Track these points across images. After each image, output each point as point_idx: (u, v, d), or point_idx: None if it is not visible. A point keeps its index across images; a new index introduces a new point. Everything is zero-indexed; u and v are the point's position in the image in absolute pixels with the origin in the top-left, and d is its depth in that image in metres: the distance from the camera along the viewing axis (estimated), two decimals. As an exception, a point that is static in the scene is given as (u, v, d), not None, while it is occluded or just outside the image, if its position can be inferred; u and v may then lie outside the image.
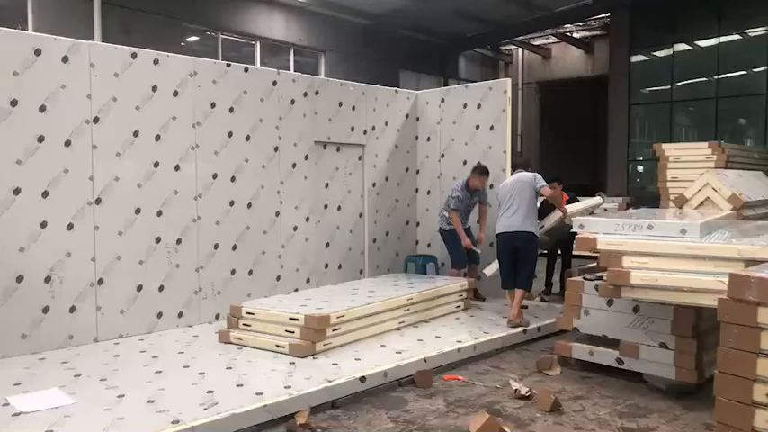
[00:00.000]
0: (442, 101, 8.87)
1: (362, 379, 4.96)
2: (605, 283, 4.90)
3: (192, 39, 13.18)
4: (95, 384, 4.79)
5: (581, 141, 21.61)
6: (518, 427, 4.30)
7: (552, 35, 19.41)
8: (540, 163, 19.95)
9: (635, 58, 16.85)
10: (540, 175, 7.03)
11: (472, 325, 6.73)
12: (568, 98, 20.90)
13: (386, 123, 8.79)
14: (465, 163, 8.41)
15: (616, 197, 14.98)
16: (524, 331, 6.62)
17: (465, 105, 8.55)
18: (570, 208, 7.82)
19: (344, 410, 4.63)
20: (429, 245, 9.03)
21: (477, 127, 8.38)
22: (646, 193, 15.80)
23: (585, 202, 8.35)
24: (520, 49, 20.98)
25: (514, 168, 7.39)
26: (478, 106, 8.39)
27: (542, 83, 21.07)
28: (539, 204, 7.26)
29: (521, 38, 19.54)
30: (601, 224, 5.08)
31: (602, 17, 17.78)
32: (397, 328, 6.47)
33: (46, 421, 4.02)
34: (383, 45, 16.00)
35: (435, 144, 8.94)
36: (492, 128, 8.25)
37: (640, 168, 17.79)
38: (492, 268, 7.69)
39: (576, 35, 19.55)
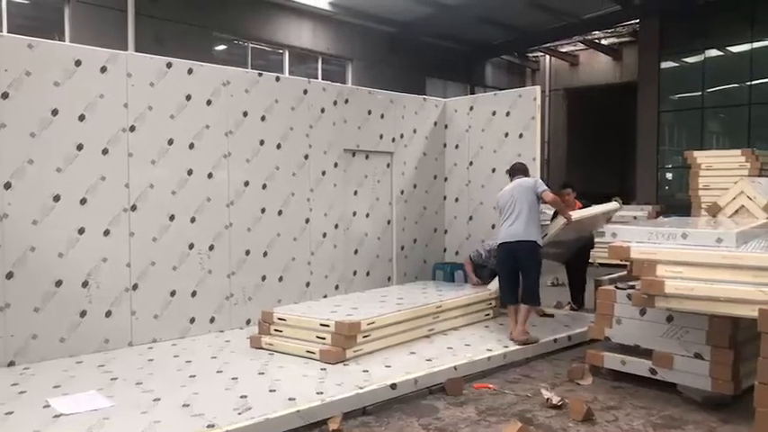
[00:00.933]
0: (471, 108, 8.88)
1: (393, 386, 4.98)
2: (638, 293, 4.86)
3: (221, 47, 13.39)
4: (131, 388, 4.89)
5: (609, 149, 21.42)
6: (551, 437, 4.28)
7: (580, 42, 19.32)
8: (567, 170, 19.86)
9: (665, 65, 16.68)
10: (540, 180, 6.75)
11: (501, 333, 6.70)
12: (596, 105, 20.76)
13: (414, 131, 8.82)
14: (494, 171, 8.40)
15: (645, 205, 14.81)
16: (555, 340, 6.58)
17: (494, 113, 8.55)
18: (577, 214, 7.27)
19: (376, 417, 4.65)
20: (457, 252, 9.02)
21: (507, 134, 8.37)
22: (675, 201, 15.60)
23: (598, 208, 7.85)
24: (547, 56, 20.92)
25: (513, 174, 6.89)
26: (507, 113, 8.39)
27: (569, 90, 20.97)
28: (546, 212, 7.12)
29: (548, 45, 19.48)
30: (634, 232, 5.05)
31: (631, 23, 17.64)
32: (427, 336, 6.47)
33: (85, 424, 4.11)
34: (409, 53, 16.09)
35: (464, 151, 8.95)
36: (521, 135, 8.23)
37: (669, 176, 17.57)
38: (497, 282, 7.15)
39: (604, 42, 19.42)
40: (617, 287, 5.67)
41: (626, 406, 4.90)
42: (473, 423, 4.54)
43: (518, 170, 6.85)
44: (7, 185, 5.43)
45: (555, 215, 7.77)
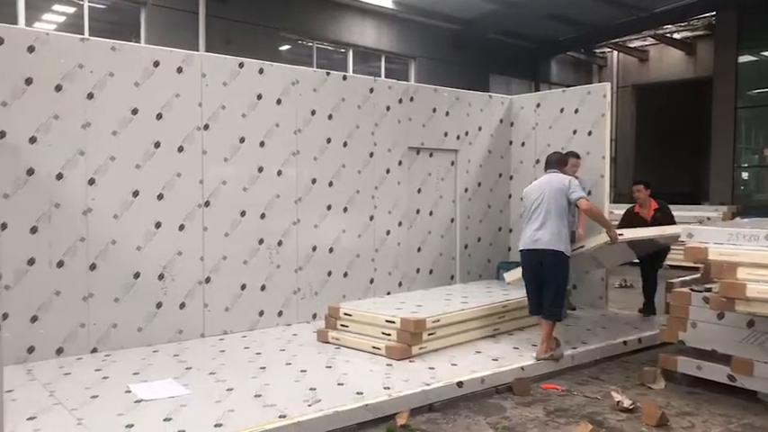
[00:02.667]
0: (538, 105, 8.74)
1: (460, 384, 4.97)
2: (717, 296, 4.69)
3: (285, 47, 13.64)
4: (205, 377, 5.06)
5: (680, 147, 20.63)
6: (623, 441, 4.19)
7: (650, 36, 18.66)
8: (636, 170, 19.25)
9: (742, 59, 15.94)
10: (576, 181, 5.78)
11: (569, 334, 6.58)
12: (667, 102, 20.04)
13: (479, 128, 8.76)
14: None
15: (719, 205, 14.22)
16: (624, 342, 6.41)
17: (562, 110, 8.39)
18: (630, 233, 6.31)
19: (443, 414, 4.66)
20: (522, 251, 8.89)
21: (575, 132, 8.20)
22: (752, 202, 14.92)
23: (657, 230, 6.87)
24: (615, 52, 20.32)
25: (546, 167, 6.01)
26: (576, 111, 8.21)
27: (638, 86, 20.31)
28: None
29: (616, 40, 18.92)
30: (711, 233, 4.87)
31: (707, 16, 16.94)
32: (492, 336, 6.42)
33: (164, 410, 4.29)
34: (473, 50, 15.96)
35: (530, 149, 8.82)
36: (590, 133, 8.04)
37: (745, 175, 16.79)
38: (513, 275, 6.59)
39: (676, 36, 18.71)
40: (692, 290, 5.48)
41: (702, 412, 4.73)
42: (541, 423, 4.48)
43: (553, 162, 5.97)
44: (91, 181, 5.72)
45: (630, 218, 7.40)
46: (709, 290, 5.27)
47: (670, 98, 19.93)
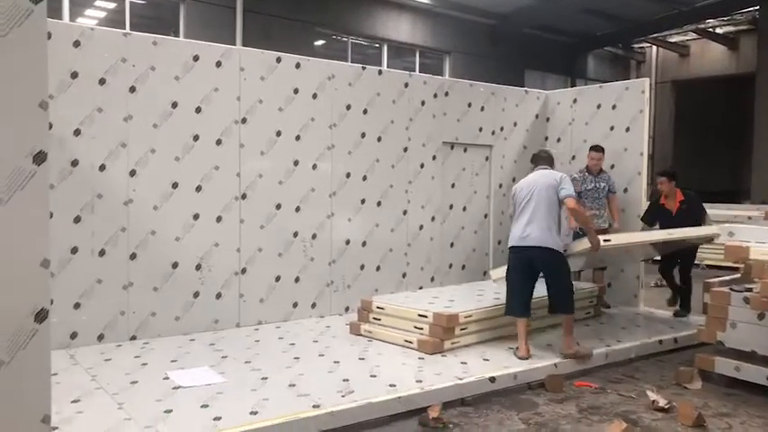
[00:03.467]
0: (575, 101, 8.64)
1: (492, 379, 4.97)
2: (759, 296, 4.60)
3: (319, 42, 13.73)
4: (241, 366, 5.16)
5: (721, 144, 20.19)
6: (657, 440, 4.14)
7: (692, 31, 18.27)
8: (673, 167, 18.87)
9: (787, 54, 15.49)
10: (567, 177, 5.62)
11: (603, 332, 6.52)
12: (707, 98, 19.61)
13: (514, 124, 8.71)
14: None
15: (761, 204, 13.86)
16: (660, 341, 6.32)
17: (599, 106, 8.28)
18: (616, 240, 5.86)
19: (475, 408, 4.67)
20: (556, 248, 8.82)
21: (612, 128, 8.09)
22: (795, 201, 14.48)
23: (641, 236, 6.54)
24: (654, 47, 19.97)
25: (535, 163, 5.92)
26: (613, 107, 8.10)
27: (678, 82, 19.92)
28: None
29: (655, 35, 18.57)
30: (753, 232, 4.78)
31: (750, 10, 16.50)
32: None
33: (201, 397, 4.39)
34: (508, 45, 15.85)
35: (566, 145, 8.73)
36: (628, 129, 7.93)
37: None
38: (499, 273, 6.22)
39: (718, 30, 18.28)
40: (732, 289, 5.37)
41: (740, 414, 4.64)
42: (574, 420, 4.46)
43: (541, 158, 5.86)
44: (132, 173, 5.86)
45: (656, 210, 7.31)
46: (749, 290, 5.15)
47: (710, 94, 19.50)
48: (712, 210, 7.63)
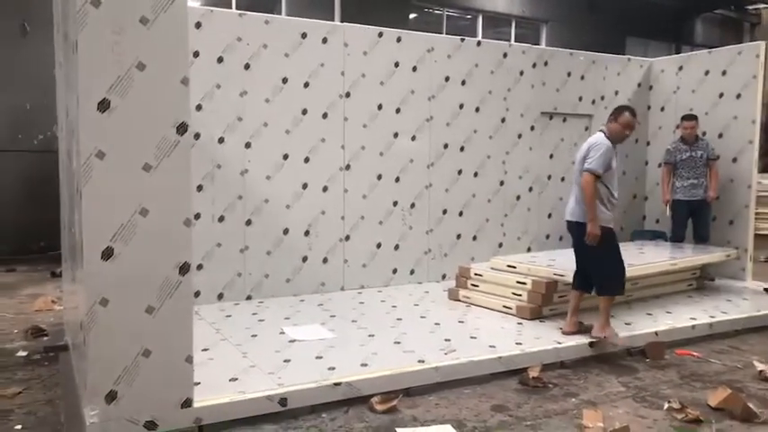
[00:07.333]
0: (680, 68, 8.34)
1: (591, 344, 5.06)
2: None
3: (413, 16, 13.77)
4: (348, 324, 5.52)
5: None
6: (765, 407, 4.11)
7: (814, -11, 16.85)
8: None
9: None
10: (599, 145, 4.92)
11: (707, 304, 6.40)
12: (831, 61, 18.05)
13: (616, 93, 8.52)
14: (704, 134, 7.86)
15: None
16: (769, 315, 6.14)
17: (707, 72, 7.97)
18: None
19: (574, 371, 4.79)
20: (657, 221, 8.64)
21: (721, 95, 7.78)
22: None
23: None
24: (770, 8, 18.55)
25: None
26: (723, 72, 7.77)
27: (797, 45, 18.43)
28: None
29: (773, -6, 17.27)
30: None
31: None
32: (626, 302, 6.37)
33: (315, 349, 4.77)
34: (609, 11, 15.28)
35: (670, 114, 8.47)
36: (738, 96, 7.60)
37: None
38: None
39: None
40: None
41: None
42: (675, 386, 4.49)
43: (609, 116, 5.22)
44: (247, 145, 6.31)
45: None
46: None
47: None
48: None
